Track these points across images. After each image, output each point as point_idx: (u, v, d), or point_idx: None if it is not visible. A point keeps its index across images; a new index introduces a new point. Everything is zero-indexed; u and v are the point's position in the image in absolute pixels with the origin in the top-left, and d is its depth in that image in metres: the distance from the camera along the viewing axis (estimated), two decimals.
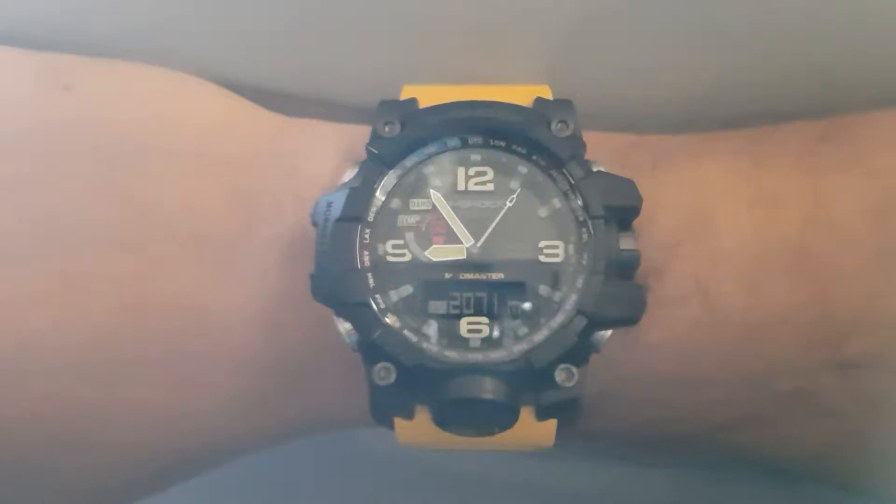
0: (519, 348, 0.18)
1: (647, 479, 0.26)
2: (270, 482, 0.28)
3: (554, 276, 0.18)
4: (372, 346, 0.17)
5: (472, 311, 0.18)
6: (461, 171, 0.19)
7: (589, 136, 0.19)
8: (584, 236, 0.18)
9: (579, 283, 0.18)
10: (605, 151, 0.19)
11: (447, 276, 0.18)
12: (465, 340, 0.18)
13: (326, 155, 0.20)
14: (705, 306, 0.18)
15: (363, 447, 0.26)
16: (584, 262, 0.18)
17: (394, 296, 0.18)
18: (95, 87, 0.20)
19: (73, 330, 0.18)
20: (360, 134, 0.19)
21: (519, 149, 0.18)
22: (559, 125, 0.18)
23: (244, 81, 0.21)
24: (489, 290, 0.18)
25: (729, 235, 0.19)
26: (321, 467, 0.27)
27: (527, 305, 0.18)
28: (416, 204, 0.18)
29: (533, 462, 0.26)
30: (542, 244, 0.18)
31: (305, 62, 0.22)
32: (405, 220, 0.18)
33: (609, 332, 0.18)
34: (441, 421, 0.18)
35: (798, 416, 0.19)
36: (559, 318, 0.18)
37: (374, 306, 0.18)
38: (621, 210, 0.18)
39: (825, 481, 0.21)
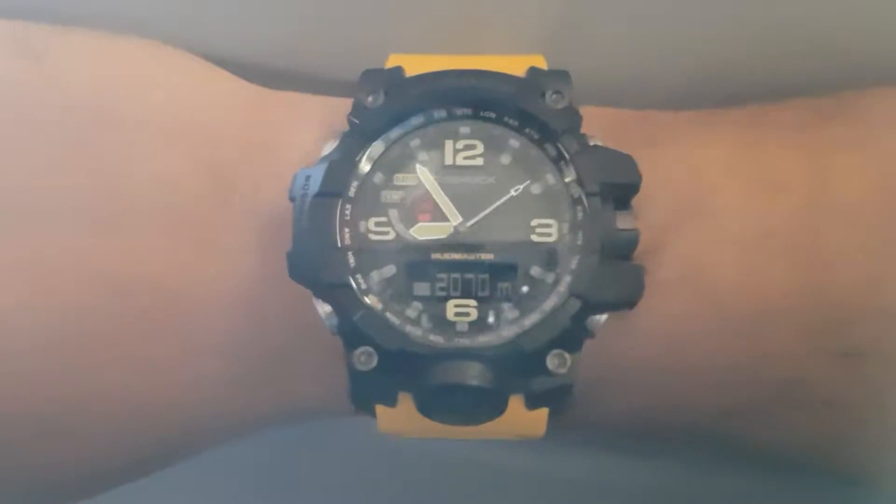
0: (509, 332, 0.17)
1: (639, 469, 0.26)
2: (253, 471, 0.27)
3: (547, 256, 0.17)
4: (352, 330, 0.17)
5: (459, 293, 0.17)
6: (449, 144, 0.18)
7: (585, 111, 0.18)
8: (579, 214, 0.17)
9: (573, 263, 0.17)
10: (601, 126, 0.18)
11: (433, 256, 0.17)
12: (452, 324, 0.17)
13: (307, 127, 0.19)
14: (703, 290, 0.18)
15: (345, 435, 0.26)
16: (579, 242, 0.17)
17: (376, 276, 0.17)
18: (66, 56, 0.19)
19: (41, 309, 0.17)
20: (343, 106, 0.18)
21: (510, 121, 0.18)
22: (554, 96, 0.18)
23: (223, 54, 0.21)
24: (477, 271, 0.17)
25: (729, 216, 0.18)
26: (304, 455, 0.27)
27: (517, 287, 0.17)
28: (401, 179, 0.18)
29: (521, 451, 0.26)
30: (534, 223, 0.17)
31: (286, 32, 0.21)
32: (389, 196, 0.18)
33: (604, 317, 0.17)
34: (425, 408, 0.17)
35: (796, 405, 0.19)
36: (552, 301, 0.17)
37: (355, 287, 0.17)
38: (619, 187, 0.17)
39: (821, 471, 0.21)
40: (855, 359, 0.18)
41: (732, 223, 0.18)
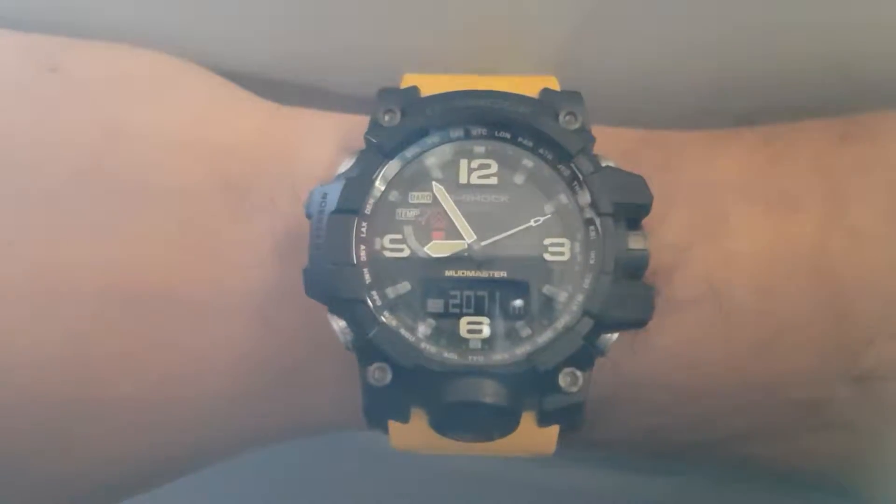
0: (521, 350, 0.17)
1: (650, 489, 0.25)
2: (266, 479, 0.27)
3: (559, 275, 0.17)
4: (367, 345, 0.17)
5: (472, 310, 0.17)
6: (464, 163, 0.18)
7: (597, 131, 0.18)
8: (592, 234, 0.17)
9: (586, 282, 0.17)
10: (613, 147, 0.18)
11: (447, 273, 0.17)
12: (465, 341, 0.17)
13: (323, 144, 0.19)
14: (717, 311, 0.18)
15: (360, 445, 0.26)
16: (592, 262, 0.17)
17: (391, 293, 0.17)
18: (82, 68, 0.19)
19: (55, 322, 0.17)
20: (358, 124, 0.19)
21: (525, 141, 0.18)
22: (567, 117, 0.18)
23: (238, 69, 0.21)
24: (491, 288, 0.17)
25: (743, 237, 0.18)
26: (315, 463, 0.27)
27: (530, 305, 0.17)
28: (416, 197, 0.18)
29: (532, 468, 0.26)
30: (547, 241, 0.17)
31: (302, 49, 0.21)
32: (404, 213, 0.18)
33: (616, 335, 0.17)
34: (438, 425, 0.17)
35: (812, 428, 0.18)
36: (564, 320, 0.17)
37: (370, 303, 0.17)
38: (631, 207, 0.17)
39: (838, 494, 0.21)
40: (871, 382, 0.18)
41: (747, 244, 0.18)
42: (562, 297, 0.17)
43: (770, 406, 0.18)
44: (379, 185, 0.18)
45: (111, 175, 0.18)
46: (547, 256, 0.17)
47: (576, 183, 0.18)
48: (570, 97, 0.18)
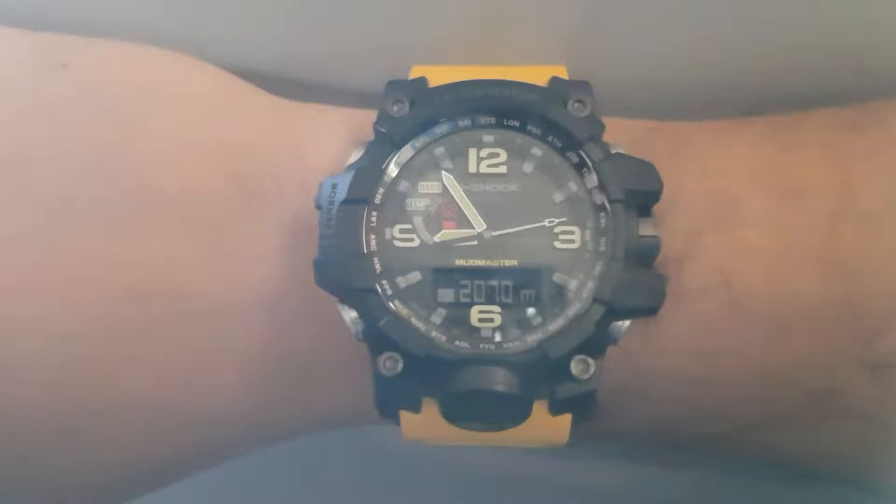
0: (533, 338, 0.17)
1: (663, 480, 0.25)
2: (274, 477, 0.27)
3: (570, 262, 0.17)
4: (378, 335, 0.17)
5: (483, 299, 0.17)
6: (473, 152, 0.18)
7: (608, 121, 0.18)
8: (602, 221, 0.17)
9: (597, 270, 0.17)
10: (623, 136, 0.18)
11: (457, 262, 0.17)
12: (476, 330, 0.17)
13: (331, 137, 0.19)
14: (728, 299, 0.18)
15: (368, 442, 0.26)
16: (602, 249, 0.17)
17: (401, 282, 0.17)
18: (92, 66, 0.19)
19: (66, 318, 0.17)
20: (366, 118, 0.19)
21: (534, 129, 0.18)
22: (576, 105, 0.18)
23: (246, 66, 0.21)
24: (501, 277, 0.17)
25: (754, 225, 0.18)
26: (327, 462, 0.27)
27: (541, 293, 0.17)
28: (426, 187, 0.18)
29: (544, 460, 0.25)
30: (557, 230, 0.17)
31: (309, 45, 0.21)
32: (414, 203, 0.18)
33: (627, 323, 0.17)
34: (449, 414, 0.17)
35: (825, 417, 0.18)
36: (575, 307, 0.17)
37: (381, 293, 0.17)
38: (641, 194, 0.17)
39: (853, 484, 0.21)
40: (885, 370, 0.17)
41: (758, 232, 0.18)
42: (572, 284, 0.17)
43: (783, 395, 0.18)
44: (388, 175, 0.18)
45: (121, 172, 0.18)
46: (557, 244, 0.17)
47: (585, 170, 0.18)
48: (579, 86, 0.18)
